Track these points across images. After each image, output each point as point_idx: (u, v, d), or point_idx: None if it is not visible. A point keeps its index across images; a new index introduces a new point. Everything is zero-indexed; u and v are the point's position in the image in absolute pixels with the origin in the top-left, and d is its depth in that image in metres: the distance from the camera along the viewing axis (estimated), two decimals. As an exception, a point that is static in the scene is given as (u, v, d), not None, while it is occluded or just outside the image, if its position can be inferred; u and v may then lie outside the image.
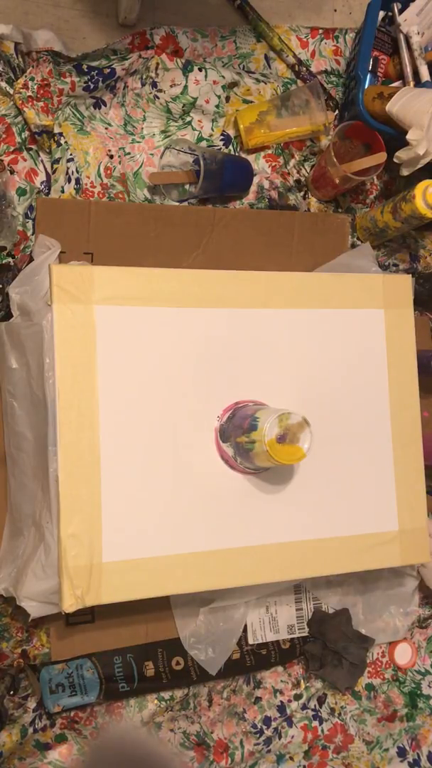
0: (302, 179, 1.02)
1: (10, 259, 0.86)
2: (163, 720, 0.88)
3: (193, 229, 0.94)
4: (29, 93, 0.87)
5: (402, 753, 0.96)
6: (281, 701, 0.93)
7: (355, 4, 1.11)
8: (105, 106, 0.93)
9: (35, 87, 0.87)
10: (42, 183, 0.89)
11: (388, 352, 0.85)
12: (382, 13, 1.03)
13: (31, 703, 0.84)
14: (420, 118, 0.89)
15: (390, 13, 1.03)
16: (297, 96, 0.98)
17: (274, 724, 0.92)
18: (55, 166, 0.90)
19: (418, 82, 1.02)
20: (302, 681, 0.95)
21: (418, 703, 0.99)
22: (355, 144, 0.99)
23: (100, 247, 0.89)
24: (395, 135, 0.94)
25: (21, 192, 0.87)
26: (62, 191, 0.90)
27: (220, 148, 0.98)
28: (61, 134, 0.89)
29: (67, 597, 0.69)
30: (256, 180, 0.99)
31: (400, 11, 1.02)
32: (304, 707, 0.94)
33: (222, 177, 0.92)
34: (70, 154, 0.90)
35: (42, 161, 0.89)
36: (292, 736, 0.93)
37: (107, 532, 0.70)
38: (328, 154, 0.94)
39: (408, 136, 0.89)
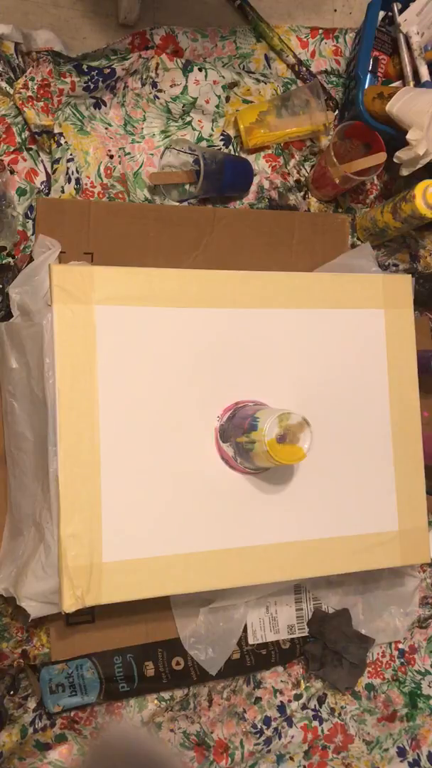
0: (302, 179, 1.02)
1: (10, 259, 0.86)
2: (163, 720, 0.88)
3: (193, 229, 0.94)
4: (29, 93, 0.87)
5: (402, 753, 0.96)
6: (281, 701, 0.93)
7: (355, 4, 1.11)
8: (105, 106, 0.93)
9: (35, 87, 0.87)
10: (42, 183, 0.89)
11: (388, 352, 0.85)
12: (382, 13, 1.03)
13: (31, 703, 0.84)
14: (420, 118, 0.89)
15: (390, 13, 1.03)
16: (297, 96, 0.98)
17: (274, 724, 0.92)
18: (55, 166, 0.90)
19: (418, 82, 1.02)
20: (302, 681, 0.95)
21: (418, 703, 0.99)
22: (355, 144, 0.99)
23: (100, 247, 0.89)
24: (395, 135, 0.94)
25: (21, 192, 0.87)
26: (62, 191, 0.90)
27: (220, 148, 0.98)
28: (61, 134, 0.89)
29: (67, 597, 0.69)
30: (256, 180, 0.99)
31: (400, 11, 1.02)
32: (304, 707, 0.94)
33: (222, 177, 0.92)
34: (70, 154, 0.90)
35: (42, 161, 0.89)
36: (292, 736, 0.93)
37: (107, 532, 0.70)
38: (328, 154, 0.94)
39: (408, 136, 0.89)
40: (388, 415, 0.84)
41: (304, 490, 0.79)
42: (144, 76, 0.94)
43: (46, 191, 0.89)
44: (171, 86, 0.95)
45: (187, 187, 0.95)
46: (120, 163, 0.93)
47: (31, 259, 0.85)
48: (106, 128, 0.92)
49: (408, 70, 1.02)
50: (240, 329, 0.78)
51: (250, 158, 0.99)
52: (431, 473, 0.90)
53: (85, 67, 0.91)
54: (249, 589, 0.87)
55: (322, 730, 0.94)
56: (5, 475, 0.83)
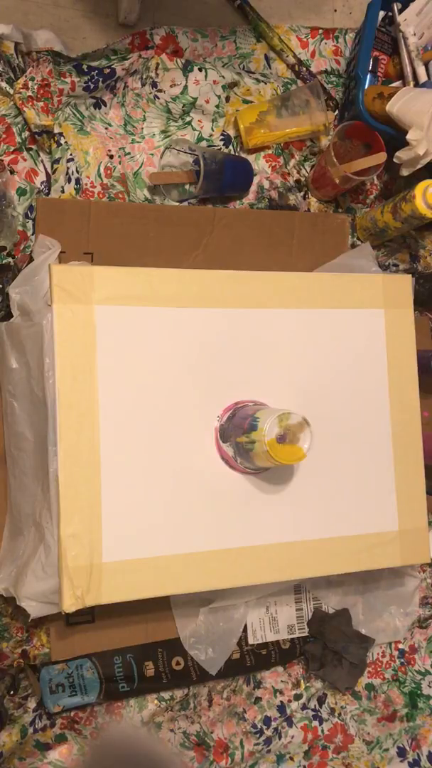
0: (302, 179, 1.02)
1: (10, 259, 0.86)
2: (163, 720, 0.88)
3: (193, 229, 0.94)
4: (29, 93, 0.87)
5: (402, 753, 0.96)
6: (281, 701, 0.93)
7: (355, 4, 1.11)
8: (105, 106, 0.93)
9: (35, 87, 0.87)
10: (42, 183, 0.89)
11: (388, 352, 0.85)
12: (382, 13, 1.03)
13: (31, 703, 0.84)
14: (420, 118, 0.89)
15: (390, 13, 1.03)
16: (297, 96, 0.98)
17: (274, 724, 0.92)
18: (55, 166, 0.90)
19: (418, 83, 1.02)
20: (302, 681, 0.95)
21: (418, 703, 0.99)
22: (355, 144, 0.99)
23: (100, 247, 0.89)
24: (395, 135, 0.94)
25: (21, 192, 0.87)
26: (62, 191, 0.90)
27: (220, 148, 0.98)
28: (61, 134, 0.89)
29: (67, 597, 0.69)
30: (256, 180, 0.99)
31: (400, 11, 1.02)
32: (304, 707, 0.94)
33: (222, 177, 0.92)
34: (70, 154, 0.90)
35: (42, 161, 0.89)
36: (292, 736, 0.93)
37: (107, 532, 0.70)
38: (328, 154, 0.94)
39: (408, 136, 0.89)
40: (388, 415, 0.84)
41: (304, 490, 0.79)
42: (144, 76, 0.94)
43: (46, 191, 0.89)
44: (171, 86, 0.95)
45: (187, 187, 0.95)
46: (120, 163, 0.93)
47: (31, 259, 0.85)
48: (106, 128, 0.92)
49: (408, 70, 1.02)
50: (240, 329, 0.78)
51: (250, 158, 0.99)
52: (431, 473, 0.90)
53: (85, 67, 0.91)
54: (249, 589, 0.87)
55: (322, 730, 0.94)
56: (5, 475, 0.83)
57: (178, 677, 0.87)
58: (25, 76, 0.87)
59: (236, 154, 0.99)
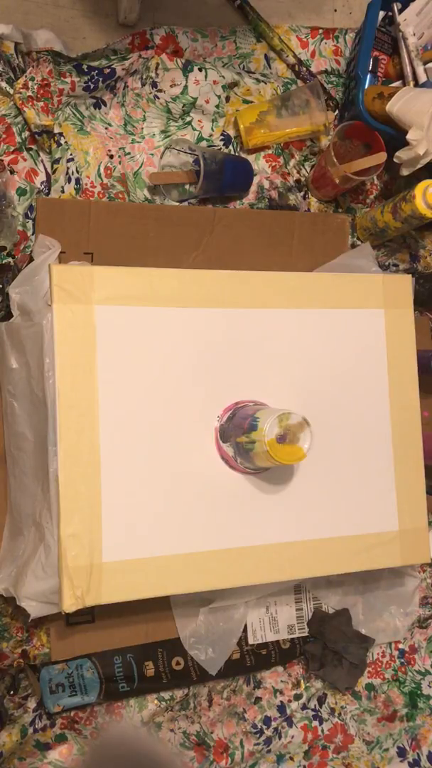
0: (302, 179, 1.02)
1: (10, 259, 0.86)
2: (163, 720, 0.88)
3: (193, 229, 0.94)
4: (29, 93, 0.87)
5: (402, 753, 0.96)
6: (281, 701, 0.93)
7: (355, 4, 1.11)
8: (105, 106, 0.93)
9: (35, 87, 0.87)
10: (42, 183, 0.89)
11: (388, 352, 0.85)
12: (382, 13, 1.03)
13: (31, 703, 0.84)
14: (420, 118, 0.89)
15: (390, 13, 1.03)
16: (297, 96, 0.98)
17: (274, 724, 0.92)
18: (55, 166, 0.90)
19: (418, 83, 1.02)
20: (302, 681, 0.95)
21: (418, 703, 0.99)
22: (355, 144, 0.99)
23: (100, 247, 0.89)
24: (395, 135, 0.94)
25: (21, 192, 0.87)
26: (62, 191, 0.90)
27: (220, 148, 0.98)
28: (61, 134, 0.89)
29: (67, 597, 0.69)
30: (256, 180, 0.99)
31: (400, 11, 1.02)
32: (304, 707, 0.94)
33: (222, 177, 0.92)
34: (70, 154, 0.90)
35: (42, 161, 0.89)
36: (292, 736, 0.93)
37: (107, 532, 0.70)
38: (328, 154, 0.94)
39: (408, 136, 0.89)
40: (388, 415, 0.84)
41: (304, 490, 0.79)
42: (144, 76, 0.94)
43: (46, 191, 0.89)
44: (171, 86, 0.95)
45: (187, 187, 0.95)
46: (120, 163, 0.93)
47: (31, 259, 0.85)
48: (106, 128, 0.92)
49: (408, 70, 1.02)
50: (240, 329, 0.78)
51: (250, 158, 0.99)
52: (431, 473, 0.90)
53: (85, 67, 0.91)
54: (249, 589, 0.87)
55: (322, 730, 0.94)
56: (5, 475, 0.83)
57: (178, 677, 0.87)
58: (25, 76, 0.87)
59: (236, 154, 0.99)
